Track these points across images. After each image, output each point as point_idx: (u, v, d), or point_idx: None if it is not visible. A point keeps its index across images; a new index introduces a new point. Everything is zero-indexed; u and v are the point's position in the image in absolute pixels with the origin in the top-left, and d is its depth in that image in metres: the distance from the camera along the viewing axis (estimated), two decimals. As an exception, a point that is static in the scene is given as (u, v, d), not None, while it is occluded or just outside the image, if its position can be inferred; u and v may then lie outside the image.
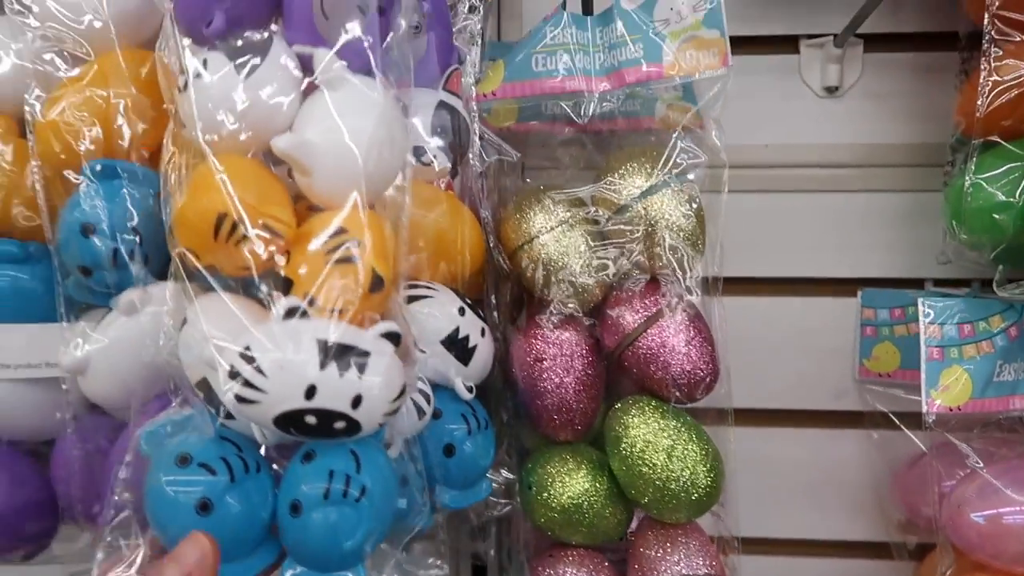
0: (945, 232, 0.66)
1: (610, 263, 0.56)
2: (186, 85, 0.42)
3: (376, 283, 0.41)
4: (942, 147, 0.71)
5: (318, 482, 0.41)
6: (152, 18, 0.54)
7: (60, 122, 0.50)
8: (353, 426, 0.40)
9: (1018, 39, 0.59)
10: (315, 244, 0.41)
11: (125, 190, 0.50)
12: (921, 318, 0.59)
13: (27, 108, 0.51)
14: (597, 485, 0.57)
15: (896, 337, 0.73)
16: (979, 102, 0.60)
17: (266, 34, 0.44)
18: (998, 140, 0.61)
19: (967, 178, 0.61)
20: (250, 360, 0.38)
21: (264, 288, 0.42)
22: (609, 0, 0.59)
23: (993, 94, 0.60)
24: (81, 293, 0.53)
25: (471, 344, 0.53)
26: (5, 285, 0.53)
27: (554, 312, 0.57)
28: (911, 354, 0.72)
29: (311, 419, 0.39)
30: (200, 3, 0.44)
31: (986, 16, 0.60)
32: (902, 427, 0.72)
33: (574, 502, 0.56)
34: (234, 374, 0.39)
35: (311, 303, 0.40)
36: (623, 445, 0.55)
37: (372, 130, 0.42)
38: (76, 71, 0.51)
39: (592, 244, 0.56)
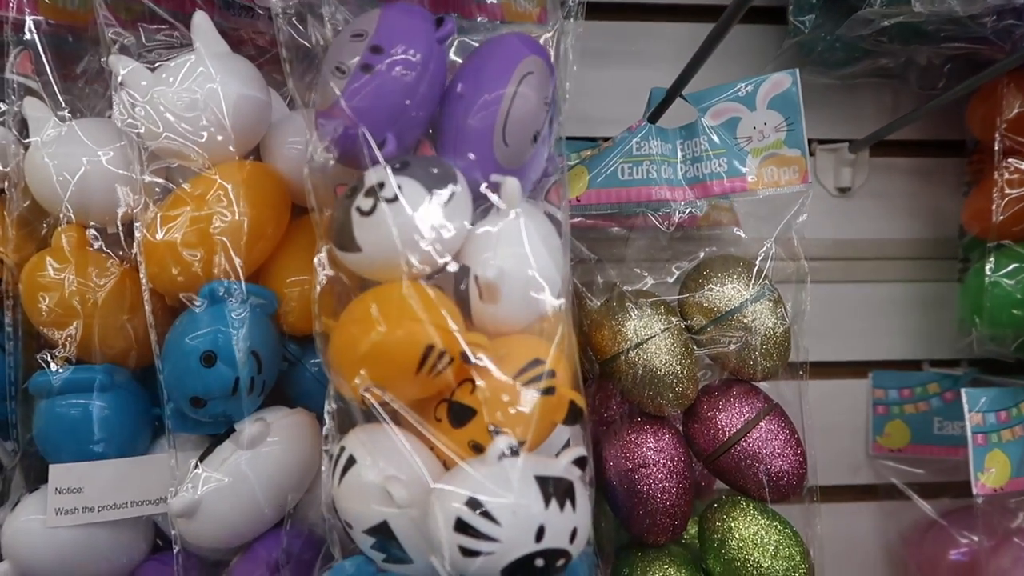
0: (959, 325, 0.73)
1: (711, 370, 0.58)
2: (374, 208, 0.40)
3: (575, 415, 0.41)
4: (940, 242, 0.79)
5: None
6: (263, 128, 0.51)
7: (178, 242, 0.46)
8: (567, 562, 0.39)
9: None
10: (511, 373, 0.40)
11: (246, 314, 0.47)
12: (965, 407, 0.65)
13: (137, 225, 0.47)
14: (697, 586, 0.58)
15: (906, 415, 0.79)
16: (994, 208, 0.68)
17: (449, 160, 0.43)
18: (1010, 244, 0.68)
19: (986, 276, 0.68)
20: (476, 506, 0.37)
21: (449, 416, 0.41)
22: (676, 112, 0.62)
23: (1005, 203, 0.68)
24: (182, 423, 0.48)
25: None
26: (90, 416, 0.48)
27: (658, 416, 0.58)
28: (921, 430, 0.79)
29: (539, 561, 0.37)
30: (373, 124, 0.42)
31: (996, 135, 0.68)
32: (916, 497, 0.78)
33: (679, 604, 0.57)
34: (462, 525, 0.37)
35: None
36: (728, 546, 0.57)
37: (553, 255, 0.43)
38: (191, 188, 0.48)
39: (693, 349, 0.58)
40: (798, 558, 0.57)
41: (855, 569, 0.81)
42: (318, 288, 0.43)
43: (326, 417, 0.44)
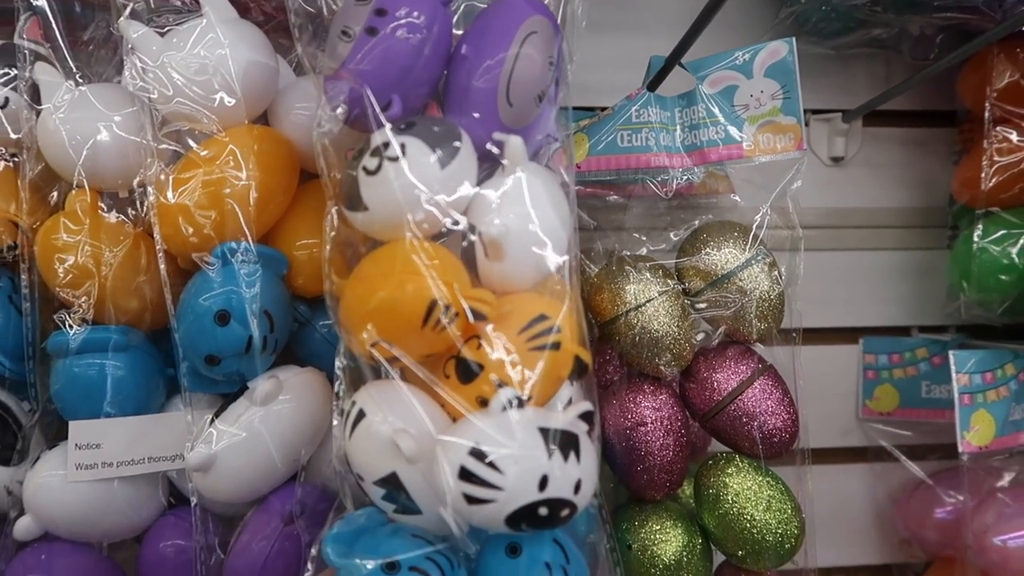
0: (949, 290, 0.75)
1: (708, 331, 0.60)
2: (379, 167, 0.41)
3: (580, 370, 0.43)
4: (930, 211, 0.81)
5: (536, 574, 0.41)
6: (271, 94, 0.52)
7: (191, 204, 0.47)
8: (573, 511, 0.40)
9: (1013, 123, 0.69)
10: (516, 329, 0.42)
11: (258, 275, 0.48)
12: (952, 368, 0.67)
13: (151, 186, 0.48)
14: (693, 540, 0.60)
15: (895, 379, 0.82)
16: (983, 176, 0.70)
17: (455, 121, 0.44)
18: (998, 211, 0.70)
19: (974, 242, 0.70)
20: (481, 456, 0.38)
21: (457, 372, 0.42)
22: (675, 79, 0.64)
23: (994, 171, 0.69)
24: (197, 382, 0.50)
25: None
26: (106, 375, 0.49)
27: (655, 376, 0.60)
28: (909, 394, 0.81)
29: (543, 511, 0.39)
30: (379, 86, 0.43)
31: (987, 104, 0.69)
32: (904, 459, 0.80)
33: (675, 558, 0.59)
34: (466, 473, 0.38)
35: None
36: (723, 501, 0.59)
37: (563, 217, 0.44)
38: (202, 151, 0.49)
39: (690, 313, 0.60)
40: (790, 512, 0.59)
41: (845, 528, 0.84)
42: (328, 248, 0.45)
43: (337, 373, 0.45)
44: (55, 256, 0.49)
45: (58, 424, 0.51)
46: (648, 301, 0.59)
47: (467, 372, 0.42)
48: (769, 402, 0.60)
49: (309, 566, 0.43)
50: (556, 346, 0.42)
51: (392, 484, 0.42)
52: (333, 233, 0.45)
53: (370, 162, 0.42)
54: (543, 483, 0.39)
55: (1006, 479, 0.72)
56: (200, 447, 0.47)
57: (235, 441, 0.48)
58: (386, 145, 0.42)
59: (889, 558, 0.84)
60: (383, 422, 0.41)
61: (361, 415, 0.42)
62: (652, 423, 0.59)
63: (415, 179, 0.41)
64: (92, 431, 0.48)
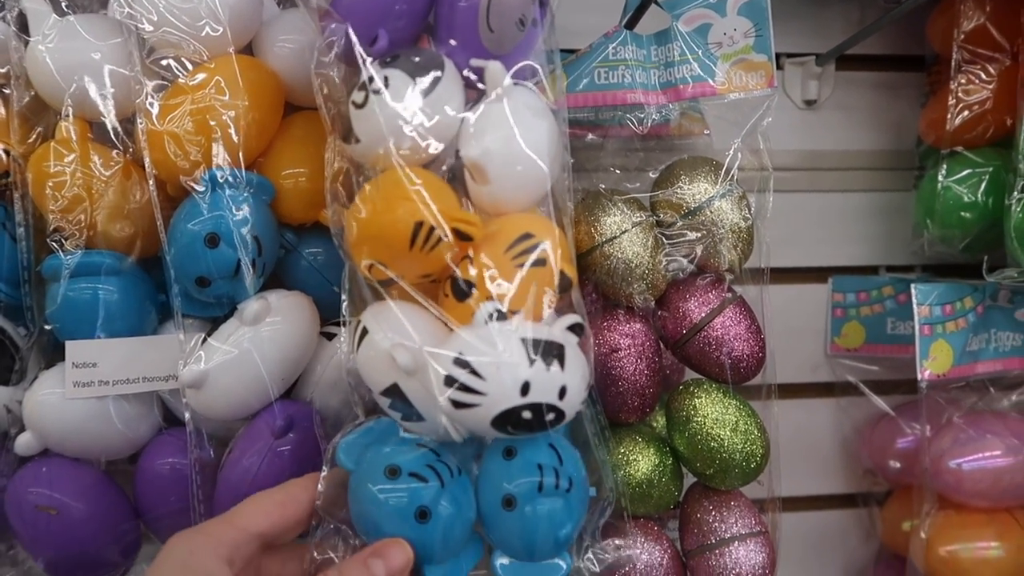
0: (914, 228, 0.78)
1: (682, 261, 0.63)
2: (365, 100, 0.43)
3: (565, 284, 0.45)
4: (900, 154, 0.84)
5: (530, 476, 0.44)
6: (255, 24, 0.53)
7: (179, 130, 0.49)
8: (559, 416, 0.43)
9: (979, 65, 0.71)
10: (503, 248, 0.44)
11: (247, 199, 0.50)
12: (914, 300, 0.70)
13: (141, 113, 0.50)
14: (664, 460, 0.63)
15: (862, 316, 0.85)
16: (948, 117, 0.72)
17: (438, 51, 0.46)
18: (962, 150, 0.73)
19: (939, 181, 0.72)
20: (464, 365, 0.41)
21: (452, 291, 0.44)
22: (654, 18, 0.65)
23: (959, 112, 0.72)
24: (188, 305, 0.52)
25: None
26: (99, 298, 0.51)
27: (629, 306, 0.62)
28: (875, 331, 0.84)
29: (527, 414, 0.42)
30: (365, 22, 0.45)
31: (954, 46, 0.71)
32: (870, 393, 0.84)
33: (647, 477, 0.62)
34: (450, 380, 0.41)
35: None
36: (693, 423, 0.62)
37: (547, 138, 0.46)
38: (190, 79, 0.50)
39: (663, 244, 0.62)
40: (756, 432, 0.62)
41: (812, 460, 0.88)
42: (329, 178, 0.47)
43: (343, 294, 0.48)
44: (47, 183, 0.51)
45: (54, 347, 0.53)
46: (623, 232, 0.61)
47: (460, 291, 0.45)
48: (737, 329, 0.63)
49: (325, 467, 0.46)
50: (541, 263, 0.45)
51: (395, 394, 0.45)
52: (335, 164, 0.47)
53: (357, 96, 0.44)
54: (525, 389, 0.42)
55: (963, 408, 0.75)
56: (192, 364, 0.49)
57: (226, 359, 0.50)
58: (371, 79, 0.44)
59: (854, 487, 0.88)
60: (383, 338, 0.44)
61: (365, 332, 0.45)
62: (626, 349, 0.62)
63: (398, 109, 0.43)
64: (88, 350, 0.50)
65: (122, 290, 0.52)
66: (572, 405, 0.44)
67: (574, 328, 0.46)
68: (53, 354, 0.53)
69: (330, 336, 0.55)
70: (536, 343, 0.42)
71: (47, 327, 0.51)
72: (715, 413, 0.62)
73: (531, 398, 0.42)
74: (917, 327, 0.70)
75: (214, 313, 0.52)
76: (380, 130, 0.43)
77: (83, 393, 0.50)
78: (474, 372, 0.41)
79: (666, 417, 0.65)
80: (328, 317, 0.56)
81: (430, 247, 0.43)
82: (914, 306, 0.70)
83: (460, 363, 0.41)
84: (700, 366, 0.64)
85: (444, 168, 0.48)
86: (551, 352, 0.43)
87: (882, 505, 0.86)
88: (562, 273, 0.46)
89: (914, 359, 0.72)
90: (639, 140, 0.70)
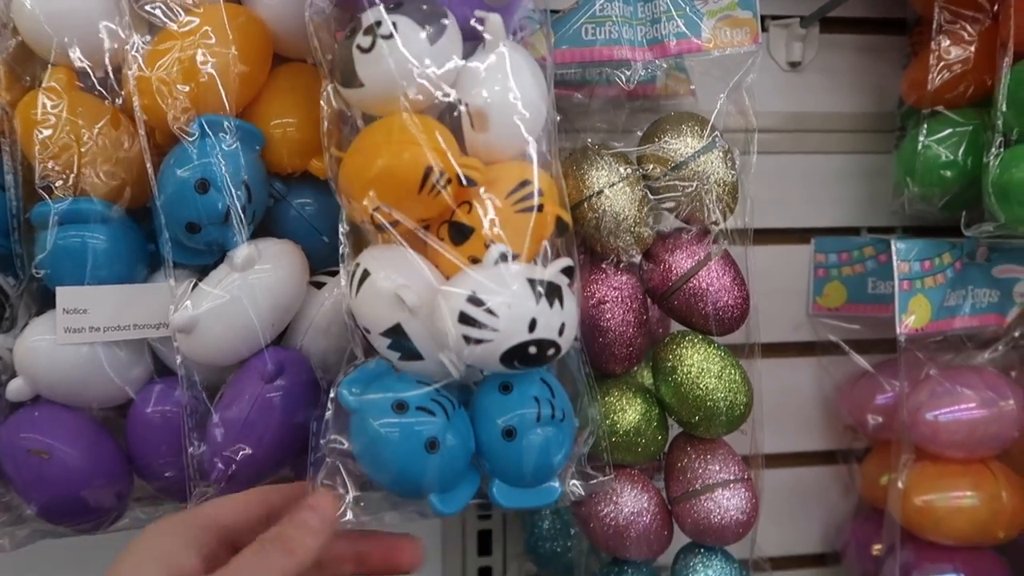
0: (895, 188, 0.79)
1: (667, 214, 0.64)
2: (373, 45, 0.44)
3: (561, 228, 0.47)
4: (882, 116, 0.85)
5: (528, 408, 0.46)
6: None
7: (168, 76, 0.49)
8: (557, 351, 0.45)
9: (960, 25, 0.72)
10: (503, 194, 0.45)
11: (237, 146, 0.50)
12: (894, 256, 0.72)
13: (131, 59, 0.50)
14: (651, 410, 0.65)
15: (843, 276, 0.86)
16: (930, 77, 0.73)
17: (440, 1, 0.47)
18: (943, 109, 0.74)
19: (920, 141, 0.74)
20: (478, 303, 0.42)
21: (451, 235, 0.46)
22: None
23: (939, 72, 0.73)
24: (178, 253, 0.52)
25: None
26: (89, 245, 0.52)
27: (615, 259, 0.63)
28: (856, 291, 0.86)
29: (533, 349, 0.44)
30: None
31: (936, 7, 0.72)
32: (849, 351, 0.86)
33: (634, 426, 0.64)
34: (464, 318, 0.42)
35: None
36: (679, 372, 0.63)
37: (539, 89, 0.47)
38: (180, 26, 0.50)
39: (650, 198, 0.63)
40: (740, 381, 0.64)
41: (793, 418, 0.89)
42: (326, 124, 0.48)
43: (340, 239, 0.49)
44: (35, 130, 0.50)
45: (44, 295, 0.53)
46: (610, 186, 0.62)
47: (460, 234, 0.47)
48: (722, 281, 0.64)
49: (329, 405, 0.47)
50: (540, 208, 0.46)
51: (397, 334, 0.46)
52: (328, 109, 0.48)
53: (364, 40, 0.45)
54: (532, 325, 0.44)
55: (940, 363, 0.77)
56: (183, 309, 0.50)
57: (216, 304, 0.50)
58: (378, 24, 0.45)
59: (834, 444, 0.90)
60: (386, 279, 0.45)
61: (366, 274, 0.46)
62: (613, 301, 0.63)
63: (408, 54, 0.44)
64: (79, 297, 0.50)
65: (112, 238, 0.52)
66: (567, 341, 0.47)
67: (566, 271, 0.47)
68: (43, 303, 0.53)
69: (319, 285, 0.55)
70: (540, 283, 0.45)
71: (37, 275, 0.51)
72: (700, 362, 0.63)
73: (537, 334, 0.44)
74: (896, 282, 0.72)
75: (204, 261, 0.53)
76: (389, 75, 0.44)
77: (74, 339, 0.51)
78: (488, 310, 0.43)
79: (652, 368, 0.66)
80: (317, 267, 0.56)
81: (437, 191, 0.44)
82: (894, 261, 0.72)
83: (474, 301, 0.43)
84: (685, 318, 0.65)
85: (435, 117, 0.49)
86: (553, 292, 0.46)
87: (861, 461, 0.87)
88: (558, 218, 0.47)
89: (894, 318, 0.74)
90: (625, 100, 0.71)
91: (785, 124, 0.84)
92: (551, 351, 0.46)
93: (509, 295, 0.44)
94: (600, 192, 0.62)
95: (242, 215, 0.50)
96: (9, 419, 0.52)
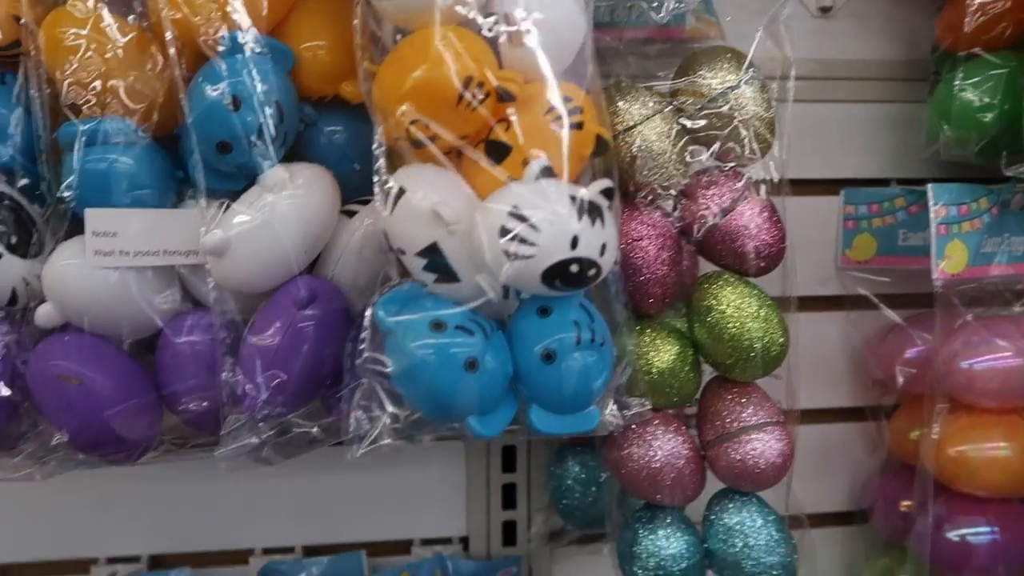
0: (928, 135, 0.78)
1: (703, 149, 0.62)
2: None
3: (601, 147, 0.45)
4: (914, 63, 0.83)
5: (568, 332, 0.45)
6: None
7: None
8: (598, 273, 0.44)
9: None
10: (542, 111, 0.44)
11: (267, 65, 0.49)
12: (930, 200, 0.70)
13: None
14: (685, 351, 0.63)
15: (873, 228, 0.85)
16: (965, 20, 0.71)
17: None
18: (980, 52, 0.72)
19: (955, 85, 0.72)
20: (520, 217, 0.41)
21: (488, 153, 0.44)
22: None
23: (976, 13, 0.71)
24: (207, 178, 0.51)
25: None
26: (117, 168, 0.50)
27: (650, 196, 0.62)
28: (886, 243, 0.84)
29: (574, 268, 0.43)
30: None
31: (972, -55, 0.71)
32: (881, 304, 0.84)
33: (668, 367, 0.62)
34: (506, 232, 0.41)
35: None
36: (715, 311, 0.62)
37: (577, 4, 0.46)
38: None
39: (684, 133, 0.62)
40: (776, 321, 0.62)
41: (821, 374, 0.88)
42: (359, 37, 0.47)
43: (375, 158, 0.48)
44: (61, 48, 0.49)
45: (71, 221, 0.52)
46: (644, 120, 0.61)
47: (497, 152, 0.45)
48: (758, 220, 0.62)
49: (366, 325, 0.46)
50: (579, 125, 0.45)
51: (433, 253, 0.45)
52: (361, 23, 0.47)
53: None
54: (574, 242, 0.43)
55: (975, 312, 0.76)
56: (215, 231, 0.49)
57: (248, 226, 0.49)
58: None
59: (862, 401, 0.89)
60: (423, 196, 0.44)
61: (401, 192, 0.45)
62: (647, 239, 0.61)
63: None
64: (108, 219, 0.49)
65: (140, 161, 0.51)
66: (608, 263, 0.45)
67: (606, 192, 0.46)
68: (70, 229, 0.52)
69: (350, 214, 0.54)
70: (581, 201, 0.44)
71: (64, 198, 0.50)
72: (736, 301, 0.62)
73: (579, 252, 0.43)
74: (933, 227, 0.70)
75: (234, 186, 0.51)
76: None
77: (104, 262, 0.49)
78: (530, 224, 0.42)
79: (687, 309, 0.65)
80: (348, 197, 0.55)
81: (476, 104, 0.42)
82: (930, 205, 0.70)
83: (516, 215, 0.42)
84: (721, 258, 0.64)
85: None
86: (594, 211, 0.44)
87: (890, 417, 0.86)
88: (598, 136, 0.46)
89: (924, 270, 0.72)
90: (654, 43, 0.70)
91: (814, 71, 0.83)
92: (592, 271, 0.45)
93: (551, 210, 0.43)
94: (633, 127, 0.61)
95: (274, 135, 0.49)
96: (39, 345, 0.51)
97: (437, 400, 0.44)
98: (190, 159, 0.51)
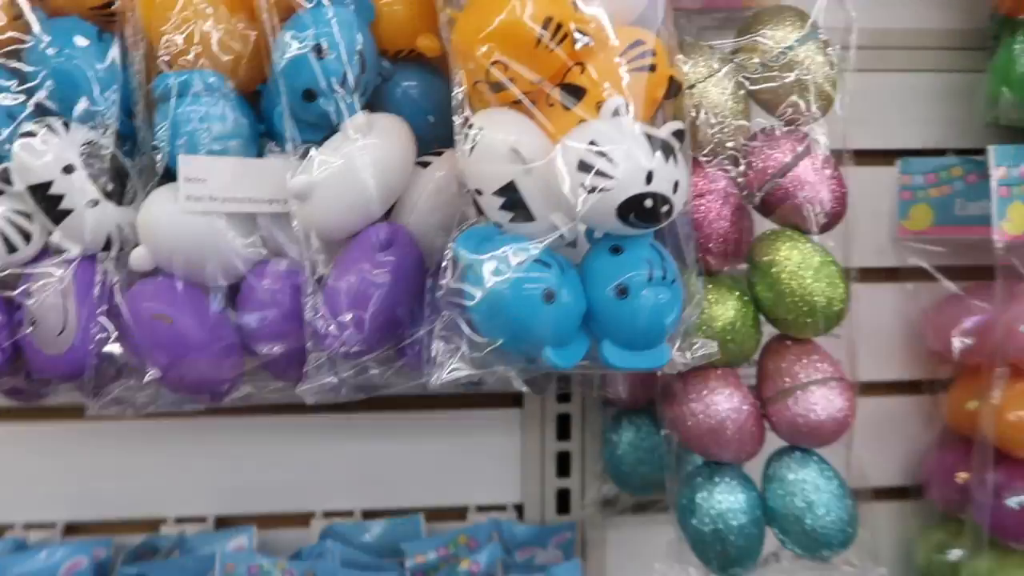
0: (987, 101, 0.78)
1: (764, 108, 0.63)
2: None
3: (673, 89, 0.47)
4: (972, 32, 0.83)
5: (640, 269, 0.46)
6: None
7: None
8: (671, 210, 0.45)
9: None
10: (615, 54, 0.46)
11: (350, 16, 0.51)
12: (991, 161, 0.70)
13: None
14: (746, 308, 0.64)
15: (930, 198, 0.85)
16: (1029, -19, 0.71)
17: None
18: (1041, 15, 0.72)
19: (1015, 49, 0.72)
20: (599, 153, 0.43)
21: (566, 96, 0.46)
22: None
23: (1038, -25, 0.71)
24: (293, 126, 0.53)
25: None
26: (207, 118, 0.53)
27: (712, 154, 0.63)
28: (943, 213, 0.84)
29: (649, 203, 0.44)
30: None
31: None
32: (937, 275, 0.84)
33: (730, 323, 0.63)
34: (584, 166, 0.43)
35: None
36: (776, 267, 0.63)
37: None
38: None
39: (745, 90, 0.63)
40: (837, 277, 0.63)
41: (876, 346, 0.88)
42: None
43: (454, 101, 0.50)
44: (156, 5, 0.52)
45: (164, 172, 0.54)
46: (706, 78, 0.62)
47: (573, 94, 0.47)
48: (820, 176, 0.63)
49: (446, 261, 0.49)
50: (652, 68, 0.47)
51: (510, 191, 0.47)
52: None
53: None
54: (649, 177, 0.44)
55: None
56: (300, 175, 0.51)
57: (332, 171, 0.51)
58: None
59: (918, 374, 0.88)
60: (503, 136, 0.46)
61: (481, 132, 0.47)
62: (709, 195, 0.63)
63: None
64: (199, 166, 0.52)
65: (228, 112, 0.53)
66: (680, 201, 0.47)
67: (677, 134, 0.47)
68: (161, 180, 0.55)
69: (424, 166, 0.56)
70: (655, 138, 0.45)
71: (156, 148, 0.53)
72: (798, 257, 0.63)
73: (653, 187, 0.45)
74: (994, 188, 0.70)
75: (316, 137, 0.54)
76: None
77: (194, 207, 0.52)
78: (607, 158, 0.44)
79: (748, 265, 0.66)
80: (422, 150, 0.57)
81: (553, 46, 0.44)
82: (991, 167, 0.70)
83: (594, 150, 0.44)
84: (782, 215, 0.65)
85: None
86: (668, 149, 0.46)
87: (947, 389, 0.86)
88: (671, 79, 0.47)
89: (983, 240, 0.72)
90: (710, 13, 0.71)
91: (870, 40, 0.82)
92: (665, 208, 0.46)
93: (627, 145, 0.44)
94: (695, 84, 0.62)
95: (355, 84, 0.51)
96: (134, 287, 0.54)
97: (515, 330, 0.45)
98: (273, 112, 0.54)
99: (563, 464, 0.85)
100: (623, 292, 0.47)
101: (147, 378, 0.52)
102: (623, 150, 0.44)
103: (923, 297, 0.87)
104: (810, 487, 0.65)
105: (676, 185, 0.46)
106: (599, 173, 0.44)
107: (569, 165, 0.44)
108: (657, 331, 0.48)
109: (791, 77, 0.62)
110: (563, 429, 0.85)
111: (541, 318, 0.45)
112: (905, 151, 0.86)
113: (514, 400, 0.84)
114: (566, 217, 0.46)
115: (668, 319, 0.48)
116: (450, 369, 0.48)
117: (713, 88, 0.62)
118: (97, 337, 0.53)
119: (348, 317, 0.51)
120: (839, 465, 0.68)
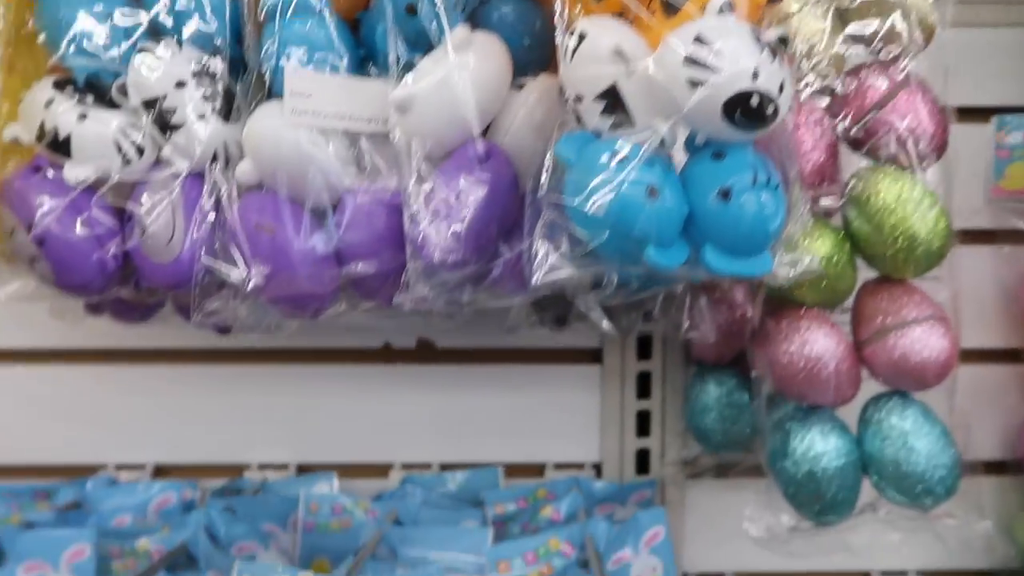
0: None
1: (861, 38, 0.62)
2: None
3: None
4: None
5: (744, 172, 0.46)
6: None
7: None
8: (776, 112, 0.44)
9: None
10: None
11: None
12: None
13: None
14: (841, 246, 0.63)
15: (1028, 156, 0.82)
16: None
17: None
18: None
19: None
20: (704, 44, 0.43)
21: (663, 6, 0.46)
22: None
23: None
24: (396, 40, 0.54)
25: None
26: (314, 36, 0.55)
27: (807, 86, 0.62)
28: (1042, 170, 0.81)
29: (755, 100, 0.44)
30: None
31: None
32: (1036, 236, 0.81)
33: (826, 258, 0.62)
34: (691, 60, 0.43)
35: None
36: (873, 202, 0.61)
37: None
38: None
39: (842, 21, 0.62)
40: (939, 211, 0.61)
41: (971, 312, 0.84)
42: None
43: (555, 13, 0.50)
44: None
45: (269, 91, 0.56)
46: (801, 8, 0.61)
47: (671, 8, 0.47)
48: (917, 109, 0.62)
49: (547, 166, 0.49)
50: None
51: (611, 95, 0.47)
52: None
53: None
54: (756, 74, 0.44)
55: None
56: (402, 86, 0.52)
57: (432, 83, 0.52)
58: None
59: (1016, 342, 0.85)
60: (604, 38, 0.46)
61: (582, 38, 0.47)
62: (804, 126, 0.62)
63: None
64: (306, 80, 0.54)
65: (333, 32, 0.55)
66: (785, 103, 0.46)
67: (782, 40, 0.47)
68: (268, 98, 0.56)
69: (519, 88, 0.57)
70: (761, 36, 0.45)
71: (262, 66, 0.54)
72: (897, 190, 0.61)
73: (759, 85, 0.44)
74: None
75: (416, 54, 0.55)
76: None
77: (300, 121, 0.53)
78: (714, 51, 0.43)
79: (846, 202, 0.64)
80: (516, 73, 0.57)
81: None
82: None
83: (701, 42, 0.43)
84: (879, 149, 0.63)
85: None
86: (772, 47, 0.45)
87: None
88: None
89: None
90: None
91: (963, -5, 0.81)
92: (771, 108, 0.45)
93: (734, 39, 0.44)
94: (790, 15, 0.61)
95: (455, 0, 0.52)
96: (240, 201, 0.55)
97: (618, 226, 0.45)
98: (375, 33, 0.55)
99: (643, 423, 0.84)
100: (726, 195, 0.46)
101: (249, 286, 0.53)
102: (730, 45, 0.44)
103: (1020, 260, 0.83)
104: (911, 432, 0.62)
105: (782, 85, 0.45)
106: (705, 66, 0.43)
107: (674, 59, 0.44)
108: (761, 236, 0.47)
109: (890, 6, 0.61)
110: (643, 387, 0.83)
111: (644, 214, 0.45)
112: (1001, 108, 0.83)
113: (594, 356, 0.84)
114: (668, 121, 0.46)
115: (772, 224, 0.47)
116: (549, 268, 0.48)
117: (807, 18, 0.61)
118: (203, 247, 0.54)
119: (446, 226, 0.51)
120: (941, 413, 0.65)
